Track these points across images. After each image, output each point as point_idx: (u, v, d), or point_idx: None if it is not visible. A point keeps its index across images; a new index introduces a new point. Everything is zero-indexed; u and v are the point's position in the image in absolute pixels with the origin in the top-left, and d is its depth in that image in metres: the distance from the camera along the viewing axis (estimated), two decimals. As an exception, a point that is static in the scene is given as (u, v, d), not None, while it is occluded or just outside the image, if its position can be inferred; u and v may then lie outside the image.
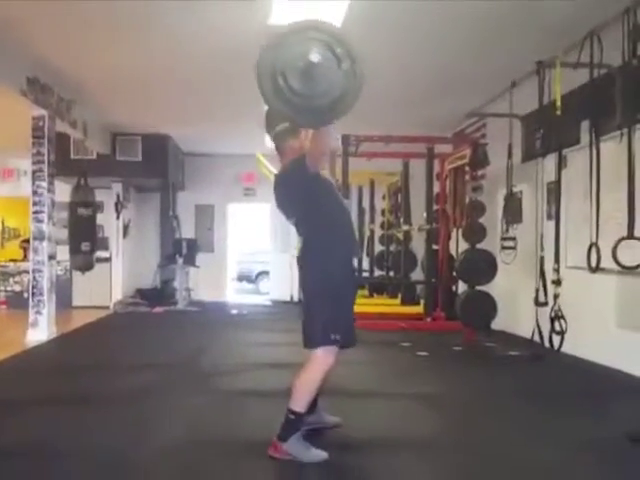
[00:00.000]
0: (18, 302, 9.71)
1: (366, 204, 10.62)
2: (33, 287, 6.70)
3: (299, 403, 2.92)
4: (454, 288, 7.65)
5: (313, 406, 3.17)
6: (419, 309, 7.50)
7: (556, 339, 5.02)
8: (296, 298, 11.61)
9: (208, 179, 11.44)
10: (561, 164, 5.20)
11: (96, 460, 2.93)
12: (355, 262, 3.31)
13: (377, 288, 10.08)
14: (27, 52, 5.91)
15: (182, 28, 5.26)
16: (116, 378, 4.77)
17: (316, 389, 2.99)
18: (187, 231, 11.41)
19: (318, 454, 2.90)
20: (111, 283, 10.42)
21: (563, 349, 5.04)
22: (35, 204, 6.66)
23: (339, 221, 3.13)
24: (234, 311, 9.66)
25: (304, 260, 3.09)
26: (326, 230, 3.05)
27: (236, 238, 13.15)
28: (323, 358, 2.95)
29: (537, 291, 5.21)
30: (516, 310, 6.73)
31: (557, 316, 4.96)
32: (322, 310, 2.98)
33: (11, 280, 10.18)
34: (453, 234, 7.65)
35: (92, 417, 3.69)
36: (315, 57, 2.47)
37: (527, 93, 5.88)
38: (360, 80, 2.61)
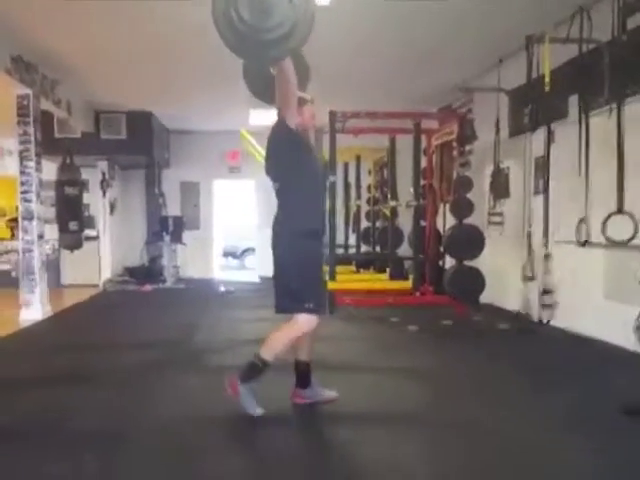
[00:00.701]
0: (6, 281, 9.66)
1: (352, 180, 10.62)
2: (24, 267, 6.68)
3: (269, 353, 3.15)
4: (441, 263, 7.73)
5: (308, 381, 3.35)
6: (407, 284, 7.55)
7: (545, 313, 5.12)
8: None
9: (193, 156, 11.37)
10: (550, 139, 5.26)
11: (94, 438, 2.97)
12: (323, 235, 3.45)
13: (363, 263, 10.14)
14: (11, 31, 5.81)
15: (166, 4, 5.18)
16: (112, 356, 4.81)
17: (287, 347, 3.19)
18: (173, 208, 11.38)
19: (256, 409, 3.12)
20: (100, 261, 10.41)
21: (552, 322, 5.14)
22: (23, 184, 6.63)
23: (311, 189, 3.26)
24: (222, 288, 9.68)
25: (277, 226, 3.24)
26: (299, 196, 3.19)
27: (222, 215, 13.10)
28: (303, 324, 3.14)
29: (524, 266, 5.30)
30: (504, 284, 6.83)
31: (545, 290, 5.05)
32: (295, 278, 3.14)
33: (-1, 259, 10.10)
34: (440, 209, 7.71)
35: (91, 395, 3.73)
36: None
37: (514, 68, 5.91)
38: (310, 16, 2.66)
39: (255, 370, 3.13)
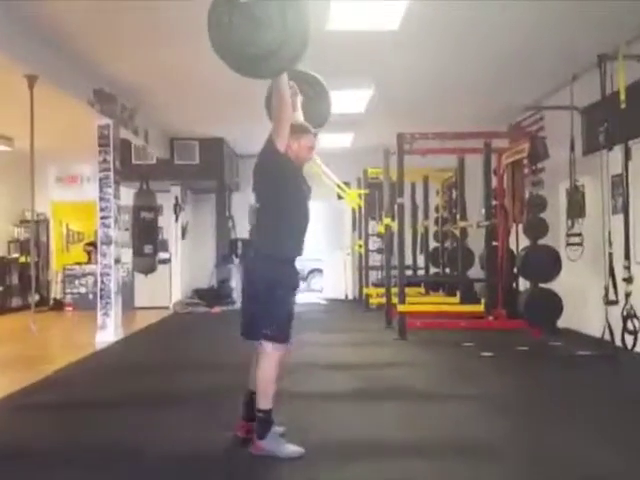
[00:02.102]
0: (84, 304, 10.08)
1: (419, 201, 10.55)
2: (101, 290, 6.93)
3: (263, 401, 3.03)
4: (515, 285, 7.54)
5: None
6: (479, 307, 7.39)
7: (629, 338, 4.89)
8: (350, 296, 11.67)
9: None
10: (628, 156, 5.09)
11: (173, 462, 3.00)
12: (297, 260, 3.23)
13: (433, 286, 10.01)
14: (93, 65, 6.13)
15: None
16: (186, 378, 4.90)
17: (274, 382, 3.06)
18: (242, 231, 11.57)
19: (294, 450, 2.98)
20: (171, 284, 10.68)
21: (637, 349, 4.90)
22: (102, 210, 6.89)
23: (293, 215, 3.12)
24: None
25: (253, 246, 3.17)
26: (277, 220, 3.08)
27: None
28: (270, 353, 3.03)
29: (607, 289, 5.08)
30: (583, 308, 6.58)
31: (630, 315, 4.83)
32: (258, 303, 3.04)
33: (77, 282, 10.50)
34: (512, 230, 7.54)
35: (167, 419, 3.78)
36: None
37: (587, 84, 5.77)
38: (301, 40, 2.61)
39: (265, 423, 3.03)
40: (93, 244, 9.99)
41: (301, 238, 3.19)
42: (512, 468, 2.93)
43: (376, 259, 10.68)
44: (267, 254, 3.06)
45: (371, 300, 9.54)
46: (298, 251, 3.18)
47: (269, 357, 3.03)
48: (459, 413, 3.86)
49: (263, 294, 3.01)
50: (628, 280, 4.88)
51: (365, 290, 9.86)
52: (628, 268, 4.90)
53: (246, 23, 2.54)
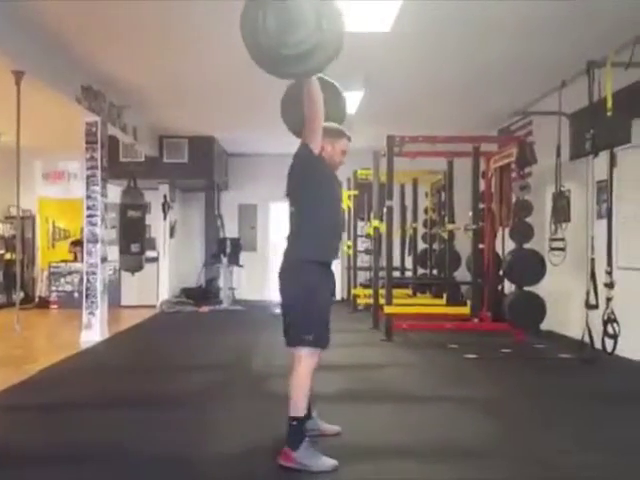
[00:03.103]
0: (69, 302, 10.04)
1: (408, 202, 10.59)
2: (87, 289, 6.89)
3: (296, 408, 2.95)
4: (500, 288, 7.59)
5: (308, 414, 3.16)
6: (465, 309, 7.44)
7: (609, 342, 4.95)
8: (339, 296, 11.66)
9: (251, 179, 11.59)
10: (612, 163, 5.13)
11: (155, 463, 3.01)
12: (334, 263, 3.21)
13: (420, 287, 10.05)
14: (81, 62, 6.10)
15: (235, 44, 5.32)
16: (172, 379, 4.90)
17: (308, 390, 2.99)
18: (231, 230, 11.57)
19: (328, 462, 2.90)
20: (158, 283, 10.64)
21: (616, 352, 4.96)
22: (89, 208, 6.85)
23: (328, 218, 3.10)
24: (277, 310, 9.72)
25: (287, 251, 3.10)
26: (314, 223, 3.05)
27: (279, 237, 13.25)
28: (306, 359, 2.97)
29: (588, 293, 5.14)
30: (566, 311, 6.64)
31: (610, 319, 4.89)
32: (297, 309, 3.00)
33: (62, 280, 10.44)
34: (499, 234, 7.59)
35: (153, 420, 3.77)
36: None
37: (576, 90, 5.81)
38: (336, 43, 2.56)
39: (297, 431, 2.94)
40: (79, 242, 9.97)
41: (338, 240, 3.22)
42: (495, 469, 2.96)
43: (365, 260, 10.72)
44: (306, 258, 3.02)
45: (359, 301, 9.56)
46: (336, 254, 3.19)
47: (305, 363, 2.97)
48: (443, 415, 3.89)
49: (303, 300, 2.98)
50: (609, 285, 4.93)
51: (353, 291, 9.88)
52: (610, 273, 4.95)
53: (280, 24, 2.50)
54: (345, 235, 10.90)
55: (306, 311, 2.97)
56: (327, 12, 2.53)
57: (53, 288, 10.49)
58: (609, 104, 4.93)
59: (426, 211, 10.43)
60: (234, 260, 10.54)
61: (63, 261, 10.70)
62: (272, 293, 12.34)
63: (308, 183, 3.06)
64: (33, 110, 6.30)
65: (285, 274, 3.08)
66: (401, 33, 5.25)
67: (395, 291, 7.77)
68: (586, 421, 3.75)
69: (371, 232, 8.58)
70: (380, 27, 5.13)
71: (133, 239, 8.28)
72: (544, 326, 6.61)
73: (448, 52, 5.96)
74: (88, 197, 6.86)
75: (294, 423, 2.93)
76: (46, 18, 5.01)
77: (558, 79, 6.11)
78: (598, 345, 5.08)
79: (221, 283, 10.93)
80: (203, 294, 11.00)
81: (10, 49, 4.89)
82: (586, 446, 3.26)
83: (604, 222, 5.31)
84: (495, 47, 5.77)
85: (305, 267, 3.01)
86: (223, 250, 10.45)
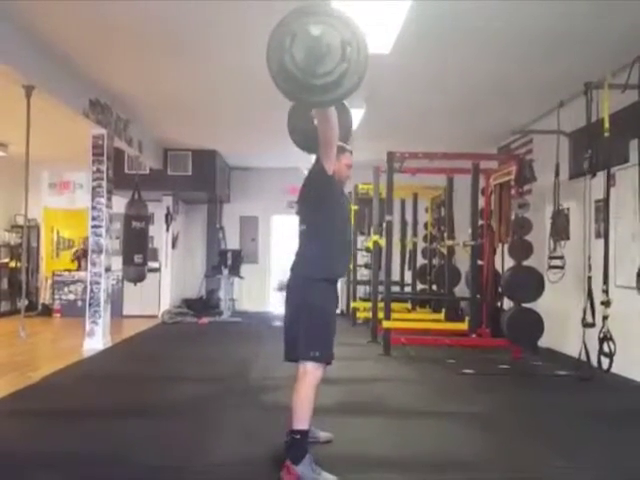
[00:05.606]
0: (72, 310, 10.11)
1: (408, 217, 10.67)
2: (90, 298, 6.98)
3: (300, 421, 2.98)
4: (499, 305, 7.65)
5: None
6: (463, 325, 7.49)
7: (604, 360, 5.00)
8: (338, 310, 11.71)
9: (253, 192, 11.72)
10: (609, 182, 5.21)
11: (154, 472, 3.07)
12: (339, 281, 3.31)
13: (419, 302, 10.10)
14: (90, 77, 6.24)
15: (237, 61, 5.50)
16: (170, 389, 4.96)
17: (312, 402, 3.02)
18: (232, 242, 11.67)
19: (329, 479, 2.92)
20: (160, 293, 10.72)
21: (612, 370, 5.02)
22: (94, 219, 6.95)
23: (339, 235, 3.19)
24: (277, 323, 9.80)
25: (296, 268, 3.17)
26: (325, 240, 3.13)
27: (279, 249, 13.32)
28: (311, 374, 3.01)
29: (584, 312, 5.20)
30: (564, 329, 6.70)
31: (606, 337, 4.95)
32: (304, 324, 3.04)
33: (65, 289, 10.52)
34: (498, 250, 7.66)
35: (151, 428, 3.84)
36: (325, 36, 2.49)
37: (575, 110, 5.91)
38: (361, 68, 2.55)
39: (300, 445, 2.97)
40: (82, 252, 10.07)
41: (347, 258, 3.33)
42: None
43: (364, 273, 10.79)
44: (315, 276, 3.09)
45: (358, 314, 9.62)
46: (344, 271, 3.30)
47: (310, 376, 3.01)
48: (436, 428, 3.94)
49: (311, 317, 3.04)
50: (606, 303, 4.98)
51: (353, 304, 9.94)
52: (606, 292, 5.01)
53: (308, 54, 2.49)
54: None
55: (313, 328, 3.04)
56: (352, 40, 2.52)
57: (56, 296, 10.56)
58: (606, 125, 5.01)
59: (426, 226, 10.50)
60: (235, 272, 10.62)
61: (67, 270, 10.78)
62: (272, 305, 12.43)
63: (322, 202, 3.14)
64: (42, 122, 6.41)
65: (293, 290, 3.16)
66: (401, 53, 5.35)
67: (394, 305, 7.83)
68: (580, 438, 3.80)
69: (371, 246, 8.65)
70: (380, 49, 5.23)
71: (136, 250, 8.34)
72: (542, 343, 6.66)
73: (448, 72, 6.06)
74: (93, 208, 6.97)
75: (297, 436, 2.97)
76: (56, 36, 5.16)
77: (557, 99, 6.20)
78: (595, 363, 5.14)
79: (222, 294, 11.01)
80: (204, 305, 11.08)
81: (21, 65, 5.02)
82: (580, 463, 3.30)
83: (602, 241, 5.37)
84: (494, 67, 5.87)
85: (314, 285, 3.08)
86: (224, 262, 10.53)
